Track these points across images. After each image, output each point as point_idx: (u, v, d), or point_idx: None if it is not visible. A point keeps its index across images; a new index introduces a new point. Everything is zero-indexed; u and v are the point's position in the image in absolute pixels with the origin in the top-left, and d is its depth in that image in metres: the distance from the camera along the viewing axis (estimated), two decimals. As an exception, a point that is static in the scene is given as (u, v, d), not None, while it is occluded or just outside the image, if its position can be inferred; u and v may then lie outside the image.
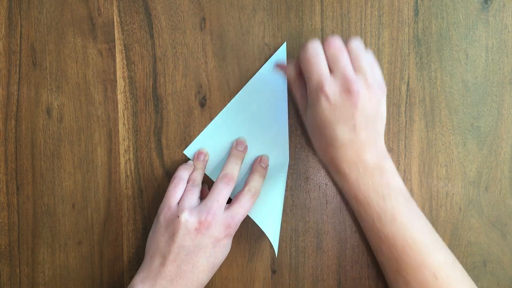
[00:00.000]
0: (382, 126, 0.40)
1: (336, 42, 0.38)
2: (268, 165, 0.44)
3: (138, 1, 0.45)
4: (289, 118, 0.45)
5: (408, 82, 0.46)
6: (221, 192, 0.40)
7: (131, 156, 0.46)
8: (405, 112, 0.46)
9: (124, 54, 0.45)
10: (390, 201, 0.37)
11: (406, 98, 0.46)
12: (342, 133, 0.37)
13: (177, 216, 0.39)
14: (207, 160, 0.45)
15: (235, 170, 0.42)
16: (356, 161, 0.37)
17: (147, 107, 0.46)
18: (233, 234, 0.41)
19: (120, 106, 0.46)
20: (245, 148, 0.44)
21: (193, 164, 0.44)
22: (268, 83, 0.45)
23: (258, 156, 0.45)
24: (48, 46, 0.46)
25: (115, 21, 0.45)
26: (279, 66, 0.44)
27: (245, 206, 0.40)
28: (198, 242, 0.38)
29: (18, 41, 0.46)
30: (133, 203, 0.46)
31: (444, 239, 0.46)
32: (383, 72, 0.45)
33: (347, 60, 0.37)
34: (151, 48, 0.45)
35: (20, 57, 0.46)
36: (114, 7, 0.45)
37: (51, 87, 0.46)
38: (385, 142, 0.45)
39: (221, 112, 0.45)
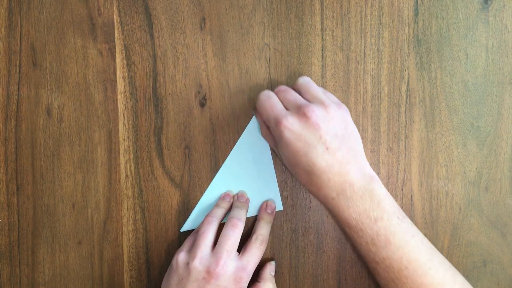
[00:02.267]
0: (358, 144, 0.39)
1: (282, 87, 0.41)
2: (274, 210, 0.45)
3: (138, 1, 0.45)
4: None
5: (408, 82, 0.46)
6: (230, 240, 0.40)
7: (131, 156, 0.46)
8: (405, 112, 0.46)
9: (124, 54, 0.45)
10: (383, 224, 0.37)
11: (406, 98, 0.46)
12: (317, 157, 0.37)
13: (187, 263, 0.39)
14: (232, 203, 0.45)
15: (241, 214, 0.42)
16: (342, 185, 0.37)
17: (147, 107, 0.46)
18: (246, 285, 0.40)
19: (120, 106, 0.46)
20: (247, 200, 0.45)
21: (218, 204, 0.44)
22: (251, 149, 0.45)
23: (264, 202, 0.45)
24: (48, 46, 0.46)
25: (115, 21, 0.45)
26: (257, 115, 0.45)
27: (255, 255, 0.40)
28: None
29: (18, 41, 0.46)
30: (133, 203, 0.46)
31: (444, 239, 0.46)
32: (383, 72, 0.45)
33: (295, 93, 0.40)
34: (151, 48, 0.45)
35: (20, 57, 0.46)
36: (114, 7, 0.45)
37: (51, 87, 0.46)
38: (385, 142, 0.45)
39: (212, 181, 0.45)
